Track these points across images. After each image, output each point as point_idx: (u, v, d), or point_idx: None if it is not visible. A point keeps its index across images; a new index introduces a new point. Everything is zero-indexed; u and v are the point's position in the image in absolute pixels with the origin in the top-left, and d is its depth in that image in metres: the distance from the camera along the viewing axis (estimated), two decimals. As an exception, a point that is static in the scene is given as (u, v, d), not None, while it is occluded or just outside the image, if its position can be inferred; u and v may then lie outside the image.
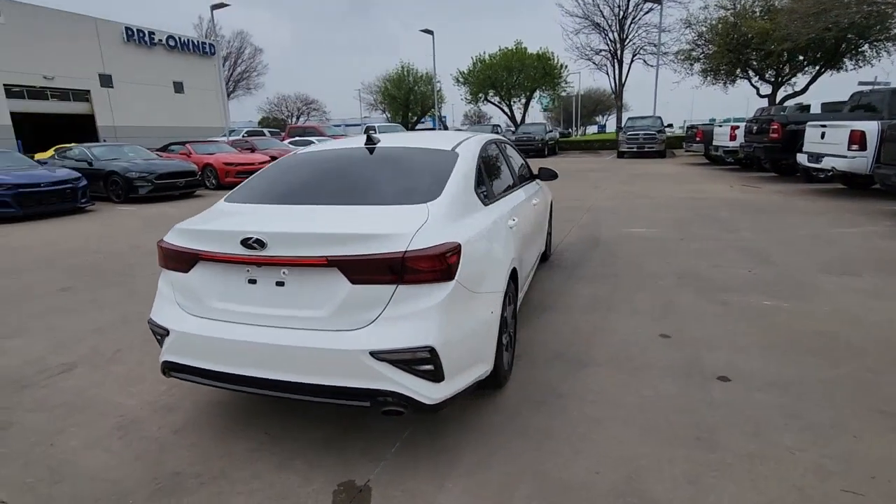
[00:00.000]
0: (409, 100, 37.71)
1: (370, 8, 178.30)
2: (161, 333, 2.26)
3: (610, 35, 27.73)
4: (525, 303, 4.06)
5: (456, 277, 2.06)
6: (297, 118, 61.82)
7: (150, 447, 2.36)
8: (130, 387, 2.93)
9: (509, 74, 32.57)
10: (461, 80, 34.13)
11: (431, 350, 1.93)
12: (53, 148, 16.27)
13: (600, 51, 28.52)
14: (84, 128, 29.30)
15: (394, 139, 3.14)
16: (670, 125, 22.65)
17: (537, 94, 34.43)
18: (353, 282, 1.95)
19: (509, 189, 3.39)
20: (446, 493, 1.99)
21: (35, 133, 27.23)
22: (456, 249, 2.08)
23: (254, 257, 2.01)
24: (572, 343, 3.33)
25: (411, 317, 1.96)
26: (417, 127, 40.08)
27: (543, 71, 31.92)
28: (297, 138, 20.64)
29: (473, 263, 2.22)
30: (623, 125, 23.43)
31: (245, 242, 2.00)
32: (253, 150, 16.87)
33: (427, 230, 2.05)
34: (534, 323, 3.68)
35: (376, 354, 1.91)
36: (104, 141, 25.36)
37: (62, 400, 2.82)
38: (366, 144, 2.93)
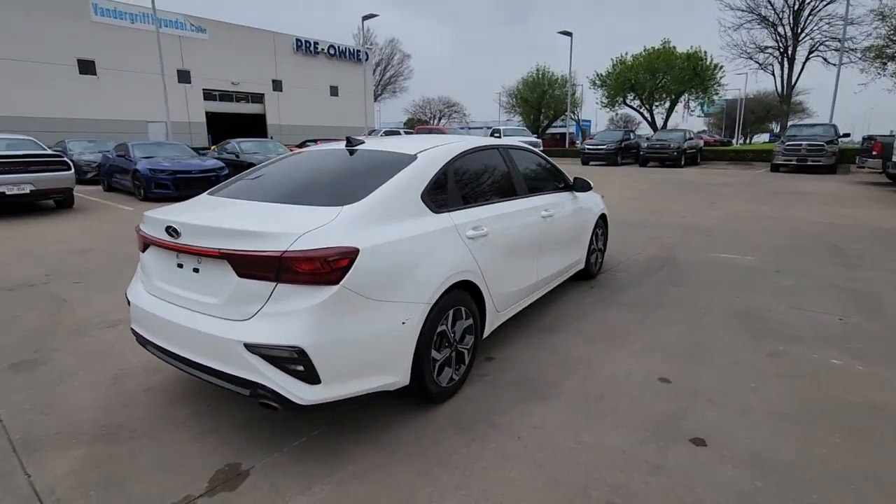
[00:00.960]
0: (541, 103, 37.03)
1: (528, 14, 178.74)
2: (128, 304, 2.62)
3: (779, 29, 23.97)
4: (531, 320, 3.81)
5: (342, 282, 2.04)
6: (439, 120, 64.87)
7: (121, 399, 2.75)
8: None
9: (653, 76, 30.06)
10: (598, 82, 32.48)
11: (300, 351, 1.95)
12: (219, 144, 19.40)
13: (765, 48, 24.83)
14: (257, 125, 34.35)
15: (380, 142, 3.17)
16: (846, 135, 18.62)
17: (685, 96, 31.22)
18: (240, 275, 2.05)
19: (498, 198, 3.20)
20: (308, 496, 1.99)
21: (221, 129, 32.63)
22: (347, 254, 2.06)
23: (172, 244, 2.24)
24: (549, 371, 3.04)
25: (286, 315, 2.00)
26: (548, 131, 39.23)
27: (693, 72, 28.80)
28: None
29: (379, 270, 2.18)
30: (785, 133, 20.13)
31: (167, 230, 2.23)
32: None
33: (319, 233, 2.07)
34: (526, 343, 3.43)
35: (250, 347, 1.99)
36: (271, 137, 29.41)
37: (95, 349, 3.41)
38: (346, 147, 3.03)
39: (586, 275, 4.77)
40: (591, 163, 23.52)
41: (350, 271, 2.06)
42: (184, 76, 30.29)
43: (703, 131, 65.26)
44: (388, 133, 27.06)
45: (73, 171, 9.14)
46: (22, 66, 24.15)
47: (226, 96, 32.78)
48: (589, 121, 59.53)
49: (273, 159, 3.26)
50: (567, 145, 32.19)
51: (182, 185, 10.85)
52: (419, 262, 2.38)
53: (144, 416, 2.58)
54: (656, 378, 2.93)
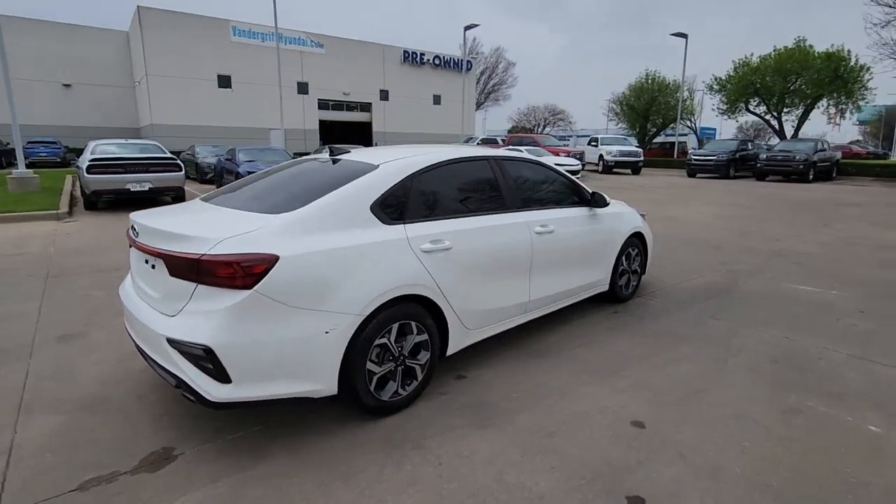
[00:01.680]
0: (649, 110, 34.62)
1: (648, 16, 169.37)
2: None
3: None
4: (527, 341, 3.61)
5: (255, 287, 2.11)
6: (543, 128, 63.86)
7: (118, 376, 3.11)
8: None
9: (783, 79, 26.59)
10: (716, 87, 29.52)
11: (209, 350, 2.06)
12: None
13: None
14: (364, 133, 36.62)
15: (362, 153, 3.19)
16: None
17: (823, 101, 27.13)
18: (171, 274, 2.22)
19: (477, 212, 3.07)
20: (211, 488, 2.09)
21: (332, 136, 35.30)
22: (263, 260, 2.13)
23: (134, 241, 2.48)
24: (512, 398, 2.85)
25: (201, 315, 2.12)
26: (656, 140, 36.60)
27: (834, 73, 24.94)
28: (509, 147, 21.49)
29: (300, 278, 2.22)
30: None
31: (132, 228, 2.48)
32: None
33: (241, 238, 2.16)
34: (507, 364, 3.25)
35: (171, 342, 2.14)
36: (376, 144, 31.19)
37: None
38: (330, 156, 3.13)
39: (613, 298, 4.39)
40: (697, 175, 21.54)
41: (266, 277, 2.13)
42: (302, 87, 33.33)
43: (856, 142, 56.34)
44: (485, 141, 27.23)
45: (183, 172, 10.53)
46: (175, 81, 28.33)
47: (337, 105, 35.43)
48: (713, 129, 54.56)
49: (276, 167, 3.47)
50: (675, 155, 29.80)
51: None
52: (352, 272, 2.38)
53: (126, 394, 2.89)
54: (629, 421, 2.61)
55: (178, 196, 10.67)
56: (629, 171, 23.38)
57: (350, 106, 36.09)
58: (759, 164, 19.87)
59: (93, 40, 30.49)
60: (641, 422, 2.60)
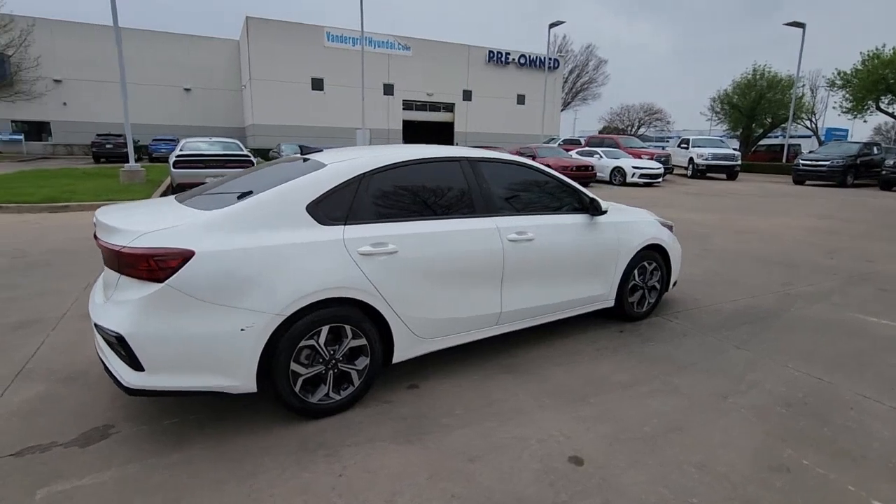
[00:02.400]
0: (755, 109, 31.17)
1: (773, 11, 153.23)
2: None
3: None
4: (501, 355, 3.38)
5: (168, 281, 2.16)
6: (637, 128, 60.41)
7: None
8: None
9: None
10: (839, 82, 25.83)
11: (120, 337, 2.15)
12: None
13: None
14: (446, 133, 37.13)
15: (329, 154, 3.13)
16: None
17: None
18: (105, 264, 2.35)
19: (437, 216, 2.92)
20: (121, 469, 2.18)
21: (414, 135, 36.19)
22: (177, 255, 2.18)
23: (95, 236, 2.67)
24: (452, 415, 2.67)
25: (119, 304, 2.22)
26: (761, 142, 32.89)
27: None
28: (584, 149, 20.60)
29: (217, 274, 2.24)
30: None
31: (94, 223, 2.67)
32: (534, 157, 17.95)
33: (162, 233, 2.23)
34: (467, 378, 3.06)
35: (96, 326, 2.27)
36: (456, 144, 31.49)
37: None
38: (301, 156, 3.15)
39: (623, 315, 3.98)
40: (806, 182, 19.10)
41: (179, 272, 2.18)
42: (388, 89, 34.54)
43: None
44: (567, 142, 26.35)
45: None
46: (274, 84, 30.72)
47: (420, 106, 36.25)
48: (844, 130, 48.16)
49: (261, 166, 3.57)
50: (785, 159, 26.63)
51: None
52: (274, 271, 2.36)
53: (90, 363, 3.13)
54: (568, 456, 2.33)
55: (250, 190, 11.50)
56: (724, 175, 21.31)
57: (433, 106, 36.75)
58: (884, 172, 17.16)
59: (209, 49, 34.01)
60: (581, 458, 2.31)
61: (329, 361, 2.56)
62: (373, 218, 2.71)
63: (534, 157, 17.78)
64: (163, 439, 2.42)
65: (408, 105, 35.64)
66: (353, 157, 2.84)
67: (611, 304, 3.87)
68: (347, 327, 2.58)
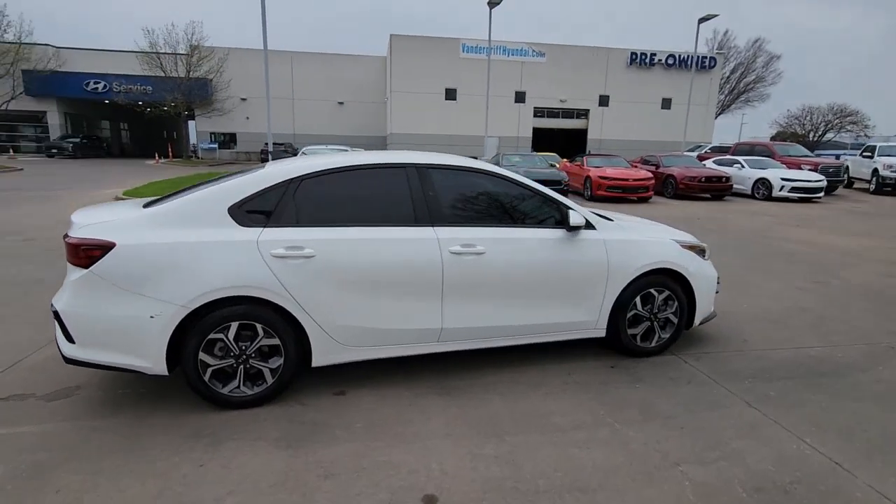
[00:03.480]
0: None
1: None
2: None
3: None
4: (447, 377, 3.19)
5: (91, 268, 2.49)
6: (822, 134, 50.99)
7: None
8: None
9: None
10: None
11: (55, 312, 2.54)
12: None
13: None
14: (578, 140, 35.75)
15: (288, 160, 3.25)
16: None
17: None
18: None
19: (369, 223, 2.85)
20: (51, 424, 2.57)
21: (544, 143, 35.54)
22: (100, 246, 2.49)
23: None
24: (353, 429, 2.60)
25: (63, 285, 2.61)
26: None
27: None
28: (726, 157, 18.11)
29: (133, 265, 2.51)
30: None
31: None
32: (657, 166, 16.30)
33: (94, 227, 2.57)
34: (399, 394, 2.95)
35: (51, 304, 2.69)
36: (589, 152, 30.19)
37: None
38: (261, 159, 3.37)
39: (622, 349, 3.44)
40: None
41: (100, 261, 2.49)
42: (520, 97, 34.45)
43: None
44: (716, 150, 23.51)
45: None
46: (411, 96, 32.78)
47: (552, 113, 35.42)
48: None
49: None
50: None
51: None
52: (185, 267, 2.55)
53: None
54: (426, 493, 2.11)
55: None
56: (922, 192, 16.90)
57: (566, 113, 35.61)
58: None
59: (359, 65, 37.61)
60: (436, 498, 2.07)
61: (239, 356, 2.69)
62: (296, 222, 2.77)
63: (657, 167, 16.18)
64: (105, 405, 2.78)
65: (539, 112, 35.09)
66: (291, 162, 2.94)
67: (601, 333, 3.37)
68: (259, 326, 2.68)
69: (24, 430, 2.52)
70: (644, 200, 14.13)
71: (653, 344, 3.51)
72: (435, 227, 2.96)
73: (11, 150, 32.18)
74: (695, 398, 2.95)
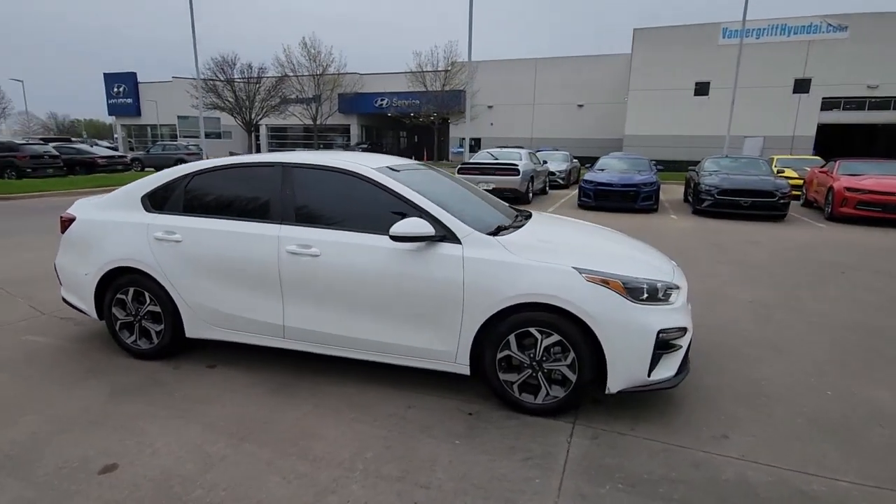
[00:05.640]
0: None
1: None
2: None
3: None
4: (274, 374, 3.20)
5: (64, 234, 3.50)
6: None
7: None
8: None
9: None
10: None
11: (54, 264, 3.66)
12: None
13: None
14: (879, 138, 26.39)
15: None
16: None
17: None
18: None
19: (232, 216, 3.10)
20: (60, 339, 3.74)
21: (834, 143, 27.51)
22: (68, 220, 3.49)
23: None
24: (135, 402, 2.93)
25: (62, 246, 3.73)
26: None
27: None
28: None
29: (80, 234, 3.43)
30: None
31: None
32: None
33: (76, 205, 3.58)
34: (234, 385, 3.13)
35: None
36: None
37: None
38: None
39: (504, 398, 2.77)
40: None
41: (68, 229, 3.48)
42: (801, 86, 27.35)
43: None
44: None
45: (519, 176, 12.12)
46: (651, 94, 29.84)
47: (853, 104, 26.87)
48: None
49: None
50: None
51: (600, 197, 11.66)
52: (103, 239, 3.33)
53: None
54: (110, 462, 2.30)
55: (515, 197, 12.43)
56: None
57: (874, 103, 26.49)
58: None
59: (600, 66, 36.11)
60: (117, 465, 2.25)
61: (135, 315, 3.35)
62: (181, 211, 3.25)
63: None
64: (98, 335, 3.83)
65: (831, 103, 27.05)
66: (206, 161, 3.41)
67: (463, 370, 2.79)
68: (146, 294, 3.28)
69: (43, 340, 3.74)
70: (926, 227, 9.68)
71: (539, 400, 2.69)
72: (282, 225, 3.01)
73: (323, 154, 43.14)
74: (518, 487, 2.20)
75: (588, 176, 12.42)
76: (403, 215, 2.81)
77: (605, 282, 2.56)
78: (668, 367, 2.65)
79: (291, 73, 39.92)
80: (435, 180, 3.53)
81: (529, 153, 13.95)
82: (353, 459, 2.33)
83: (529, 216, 3.60)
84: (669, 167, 23.76)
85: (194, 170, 3.34)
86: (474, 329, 2.70)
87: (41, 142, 21.90)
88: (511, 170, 12.26)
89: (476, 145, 41.48)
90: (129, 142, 50.67)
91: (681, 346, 2.70)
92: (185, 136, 45.16)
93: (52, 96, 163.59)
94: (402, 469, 2.26)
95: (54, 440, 2.45)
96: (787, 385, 3.11)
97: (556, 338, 2.60)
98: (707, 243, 7.94)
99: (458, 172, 12.69)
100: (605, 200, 11.68)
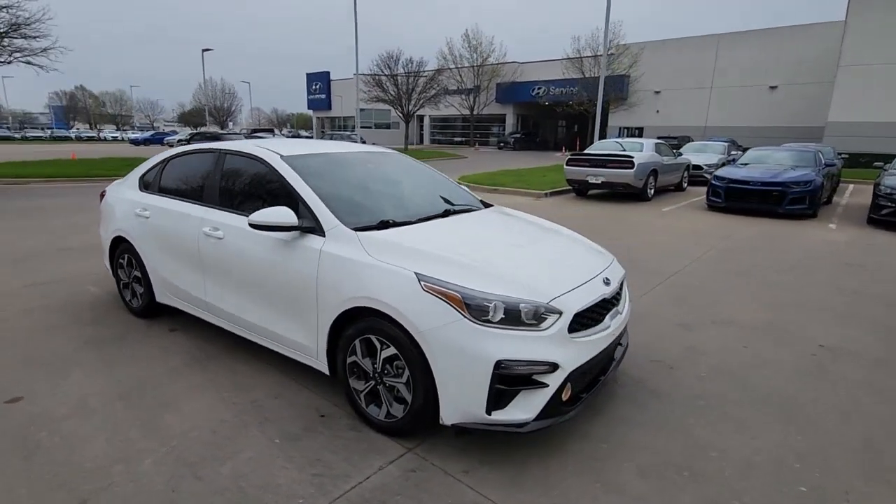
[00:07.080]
0: None
1: None
2: None
3: None
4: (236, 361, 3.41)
5: (101, 204, 4.27)
6: None
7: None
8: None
9: None
10: None
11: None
12: None
13: None
14: None
15: None
16: None
17: None
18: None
19: (186, 198, 3.43)
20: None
21: None
22: (103, 194, 4.25)
23: None
24: (125, 342, 3.40)
25: (108, 216, 4.54)
26: None
27: None
28: None
29: (107, 207, 4.14)
30: None
31: None
32: None
33: (115, 183, 4.33)
34: (172, 347, 3.47)
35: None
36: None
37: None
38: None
39: (356, 408, 2.59)
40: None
41: (102, 201, 4.24)
42: None
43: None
44: None
45: (633, 170, 10.72)
46: (866, 70, 23.55)
47: None
48: None
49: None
50: None
51: (733, 197, 9.72)
52: (112, 212, 3.99)
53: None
54: (14, 396, 2.77)
55: (627, 192, 11.13)
56: None
57: None
58: None
59: (799, 39, 29.60)
60: (22, 397, 2.71)
61: (129, 277, 3.95)
62: (156, 191, 3.71)
63: None
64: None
65: None
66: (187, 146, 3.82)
67: (323, 368, 2.66)
68: (134, 260, 3.84)
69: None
70: None
71: (381, 417, 2.43)
72: (206, 208, 3.22)
73: (477, 144, 44.01)
74: (279, 500, 2.06)
75: (721, 171, 10.43)
76: (297, 203, 2.78)
77: (444, 294, 2.17)
78: (524, 408, 2.15)
79: (453, 66, 41.50)
80: (372, 170, 3.40)
81: (657, 143, 12.24)
82: (177, 437, 2.42)
83: (470, 210, 3.24)
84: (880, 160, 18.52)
85: (168, 155, 3.78)
86: (325, 329, 2.55)
87: (241, 133, 26.89)
88: (625, 162, 10.93)
89: (639, 135, 38.00)
90: (322, 132, 58.73)
91: (546, 385, 2.15)
92: (363, 127, 50.69)
93: (274, 94, 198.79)
94: (200, 456, 2.28)
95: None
96: None
97: (392, 350, 2.30)
98: (856, 270, 6.01)
99: (567, 164, 11.83)
100: (738, 201, 9.67)
